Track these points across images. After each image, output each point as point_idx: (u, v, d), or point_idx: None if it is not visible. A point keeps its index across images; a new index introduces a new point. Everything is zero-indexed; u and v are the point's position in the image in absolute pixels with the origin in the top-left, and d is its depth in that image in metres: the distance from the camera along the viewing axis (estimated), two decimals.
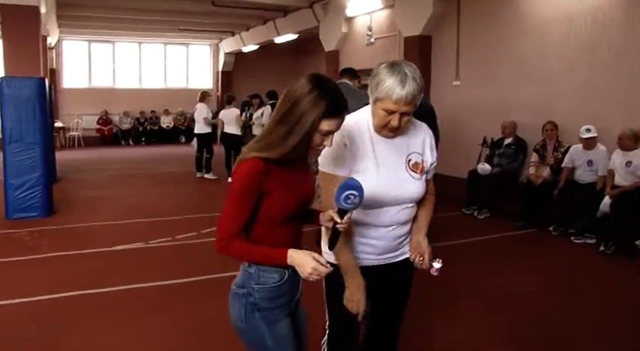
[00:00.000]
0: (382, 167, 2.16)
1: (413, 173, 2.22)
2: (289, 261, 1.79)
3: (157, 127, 19.39)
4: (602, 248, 5.81)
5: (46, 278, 4.88)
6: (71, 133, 18.27)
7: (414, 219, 2.33)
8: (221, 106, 13.64)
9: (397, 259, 2.33)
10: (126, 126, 19.10)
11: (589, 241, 6.13)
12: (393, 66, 2.02)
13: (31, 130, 7.14)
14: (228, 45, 19.56)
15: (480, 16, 8.65)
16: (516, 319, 4.06)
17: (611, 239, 5.82)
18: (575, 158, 6.58)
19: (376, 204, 2.16)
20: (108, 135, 18.79)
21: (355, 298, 2.16)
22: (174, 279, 4.88)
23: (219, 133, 11.40)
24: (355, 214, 2.04)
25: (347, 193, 1.81)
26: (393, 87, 1.98)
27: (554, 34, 7.37)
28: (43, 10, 9.10)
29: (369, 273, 2.24)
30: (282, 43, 16.29)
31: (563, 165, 6.74)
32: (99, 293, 4.55)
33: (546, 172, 6.93)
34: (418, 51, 9.60)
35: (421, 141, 2.28)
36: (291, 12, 14.08)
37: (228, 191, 1.82)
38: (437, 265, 2.20)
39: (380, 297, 2.34)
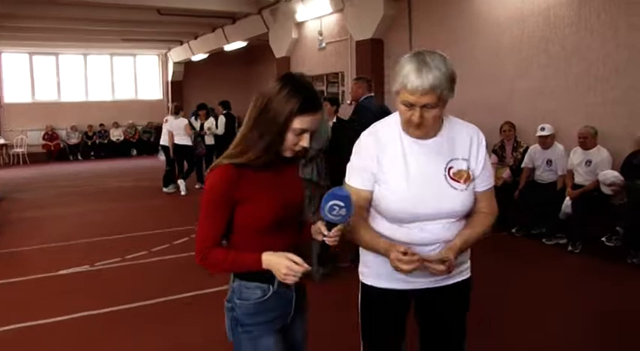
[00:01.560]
0: (414, 175, 1.88)
1: (454, 183, 1.89)
2: (264, 265, 1.72)
3: (106, 141, 18.71)
4: (569, 248, 5.71)
5: None
6: (15, 150, 17.41)
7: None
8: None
9: (447, 282, 2.00)
10: (73, 140, 18.34)
11: (560, 242, 5.99)
12: (414, 54, 1.81)
13: None
14: (177, 54, 19.14)
15: (431, 17, 8.53)
16: (486, 326, 3.83)
17: (577, 239, 5.72)
18: (535, 158, 6.48)
19: (411, 218, 1.89)
20: (55, 150, 18.00)
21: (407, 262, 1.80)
22: (124, 304, 4.48)
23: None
24: (390, 230, 1.92)
25: (331, 203, 1.67)
26: (407, 75, 1.76)
27: (508, 33, 7.29)
28: None
29: (405, 297, 1.99)
30: (232, 50, 15.99)
31: (522, 165, 6.63)
32: (44, 324, 4.11)
33: (506, 173, 6.79)
34: (370, 55, 9.46)
35: (467, 143, 1.94)
36: (240, 19, 13.83)
37: (201, 201, 1.76)
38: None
39: (431, 324, 2.07)
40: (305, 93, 1.70)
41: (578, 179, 6.00)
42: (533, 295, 4.58)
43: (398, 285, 1.99)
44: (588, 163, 5.87)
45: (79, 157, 18.24)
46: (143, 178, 12.85)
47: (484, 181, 1.98)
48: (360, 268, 2.09)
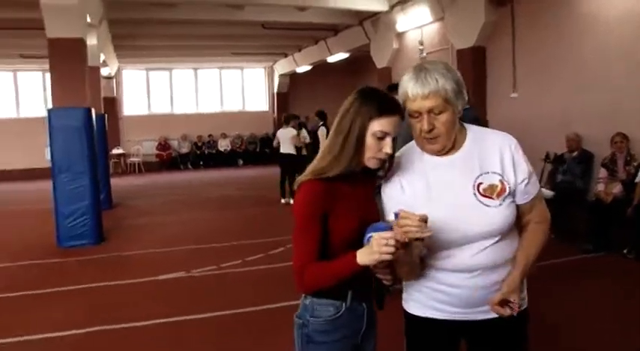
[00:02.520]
0: (437, 196, 1.74)
1: (486, 200, 1.73)
2: (358, 260, 1.61)
3: (214, 151, 19.49)
4: None
5: (84, 310, 4.70)
6: (132, 159, 18.62)
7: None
8: (278, 127, 13.48)
9: (493, 316, 1.80)
10: (184, 150, 19.28)
11: None
12: (414, 66, 1.76)
13: (79, 159, 7.13)
14: (282, 66, 19.60)
15: (536, 22, 8.11)
16: None
17: None
18: None
19: (439, 243, 1.73)
20: (167, 160, 19.01)
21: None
22: (215, 311, 4.59)
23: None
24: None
25: (368, 236, 1.60)
26: (407, 84, 1.72)
27: (618, 34, 6.74)
28: (93, 41, 9.20)
29: (451, 329, 1.84)
30: (335, 62, 16.16)
31: (637, 180, 6.08)
32: (138, 327, 4.31)
33: (617, 188, 6.28)
34: (472, 63, 9.17)
35: (498, 155, 1.77)
36: (342, 30, 14.00)
37: (294, 223, 1.75)
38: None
39: None
40: (379, 97, 1.73)
41: None
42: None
43: (440, 314, 1.84)
44: None
45: (189, 166, 19.11)
46: (247, 188, 13.25)
47: (528, 192, 1.80)
48: (403, 293, 1.96)
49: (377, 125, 1.69)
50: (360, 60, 15.66)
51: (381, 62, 12.75)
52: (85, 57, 7.53)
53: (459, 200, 1.73)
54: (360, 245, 1.64)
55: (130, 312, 4.65)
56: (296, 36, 14.93)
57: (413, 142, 1.85)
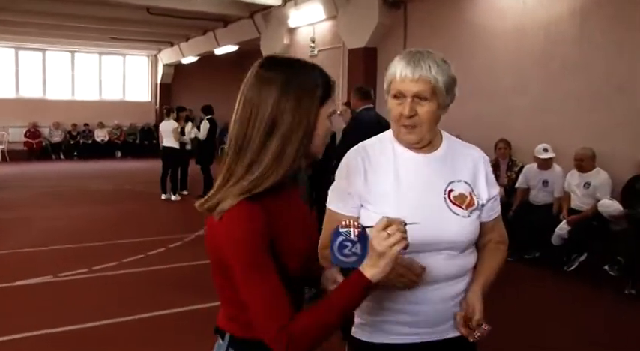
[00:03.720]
0: (405, 193, 1.59)
1: (455, 207, 1.61)
2: (371, 276, 1.24)
3: (90, 141, 18.26)
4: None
5: None
6: None
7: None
8: (160, 118, 12.80)
9: (450, 335, 1.65)
10: (56, 139, 17.88)
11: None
12: (409, 50, 1.62)
13: None
14: (167, 56, 18.91)
15: (427, 28, 8.25)
16: None
17: (572, 265, 5.45)
18: (530, 178, 6.17)
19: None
20: (37, 149, 17.51)
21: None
22: (84, 322, 4.05)
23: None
24: None
25: (341, 239, 1.29)
26: (398, 65, 1.57)
27: (506, 47, 7.02)
28: None
29: None
30: (223, 54, 15.73)
31: (517, 186, 6.33)
32: None
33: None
34: (363, 64, 9.18)
35: (471, 167, 1.68)
36: (232, 22, 13.65)
37: (237, 266, 1.24)
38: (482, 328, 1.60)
39: None
40: (315, 69, 1.37)
41: (576, 202, 5.69)
42: (524, 323, 4.21)
43: (400, 339, 1.63)
44: (587, 185, 5.55)
45: (62, 157, 17.79)
46: (125, 182, 12.45)
47: (493, 209, 1.73)
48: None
49: (329, 107, 1.36)
50: (249, 54, 15.19)
51: None
52: None
53: (429, 202, 1.59)
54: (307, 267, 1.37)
55: None
56: (183, 24, 14.34)
57: (385, 136, 1.71)
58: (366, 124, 4.94)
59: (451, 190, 1.62)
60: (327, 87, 1.36)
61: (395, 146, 1.66)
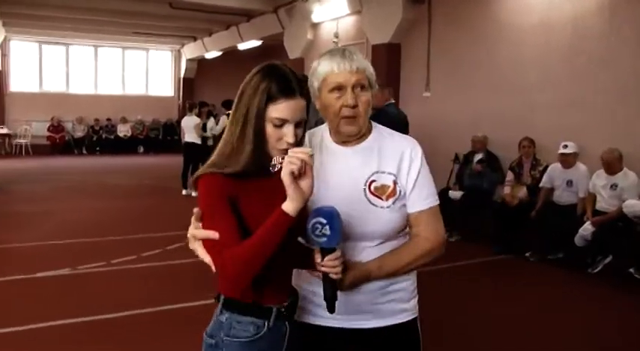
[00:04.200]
0: (325, 185, 1.65)
1: (374, 199, 1.67)
2: (288, 207, 1.40)
3: (113, 136, 18.56)
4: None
5: None
6: (18, 141, 17.32)
7: None
8: (183, 113, 13.00)
9: (379, 325, 1.72)
10: (79, 134, 18.22)
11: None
12: (331, 49, 1.75)
13: None
14: (190, 51, 19.06)
15: (452, 23, 8.23)
16: None
17: (596, 267, 5.43)
18: (554, 178, 6.15)
19: None
20: (59, 143, 17.87)
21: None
22: (101, 313, 4.20)
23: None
24: None
25: (313, 221, 1.46)
26: (331, 60, 1.66)
27: (532, 42, 6.97)
28: None
29: (336, 338, 1.72)
30: (246, 49, 15.80)
31: (540, 185, 6.30)
32: (8, 334, 3.84)
33: (522, 192, 6.46)
34: (386, 59, 9.16)
35: (397, 157, 1.72)
36: (255, 17, 13.70)
37: (203, 215, 1.50)
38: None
39: None
40: (278, 75, 1.48)
41: (602, 204, 5.65)
42: (545, 325, 4.24)
43: (320, 321, 1.73)
44: (614, 187, 5.52)
45: (84, 152, 18.11)
46: (146, 177, 12.68)
47: (421, 200, 1.72)
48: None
49: (274, 111, 1.46)
50: (273, 49, 15.39)
51: (293, 53, 12.53)
52: None
53: (348, 194, 1.67)
54: (288, 253, 1.48)
55: (5, 315, 4.16)
56: (206, 19, 14.47)
57: (318, 127, 1.82)
58: (392, 118, 5.02)
59: (373, 181, 1.70)
60: (275, 90, 1.46)
61: (325, 141, 1.76)
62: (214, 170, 1.48)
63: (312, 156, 1.40)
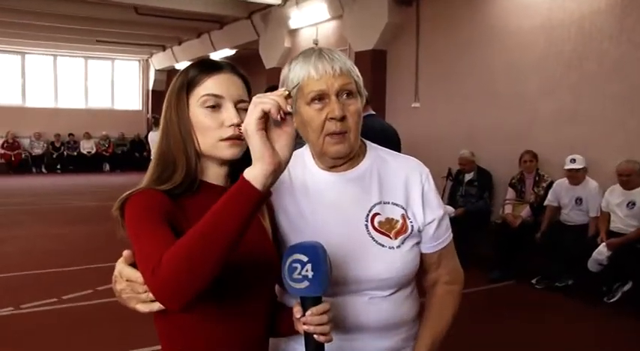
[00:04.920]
0: (323, 222, 1.41)
1: (380, 236, 1.41)
2: (252, 173, 1.03)
3: (75, 153, 18.14)
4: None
5: None
6: None
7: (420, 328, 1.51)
8: (149, 129, 12.70)
9: None
10: (38, 151, 17.78)
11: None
12: (306, 50, 1.46)
13: None
14: (159, 61, 18.94)
15: (443, 27, 8.04)
16: None
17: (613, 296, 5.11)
18: (561, 195, 5.88)
19: None
20: (15, 161, 17.38)
21: None
22: None
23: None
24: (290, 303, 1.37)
25: (290, 260, 1.16)
26: (306, 62, 1.38)
27: (532, 46, 6.76)
28: None
29: None
30: (220, 59, 15.48)
31: (546, 203, 6.03)
32: None
33: (525, 211, 6.17)
34: (371, 67, 8.92)
35: (403, 184, 1.47)
36: (228, 24, 13.54)
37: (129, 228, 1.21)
38: None
39: None
40: (194, 64, 1.31)
41: (617, 224, 5.36)
42: None
43: None
44: (631, 205, 5.23)
45: (44, 170, 17.72)
46: (112, 197, 11.78)
47: (441, 237, 1.51)
48: None
49: (201, 90, 1.25)
50: (248, 59, 15.23)
51: (270, 62, 12.35)
52: None
53: (345, 232, 1.41)
54: (240, 292, 1.23)
55: None
56: (176, 26, 14.27)
57: (297, 151, 1.48)
58: (376, 134, 4.62)
59: (376, 214, 1.43)
60: (193, 72, 1.27)
61: (307, 163, 1.48)
62: (150, 187, 1.25)
63: (289, 98, 1.07)
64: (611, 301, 5.10)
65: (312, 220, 1.42)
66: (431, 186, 1.51)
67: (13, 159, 17.34)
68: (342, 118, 1.36)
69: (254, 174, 1.02)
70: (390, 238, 1.42)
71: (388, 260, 1.41)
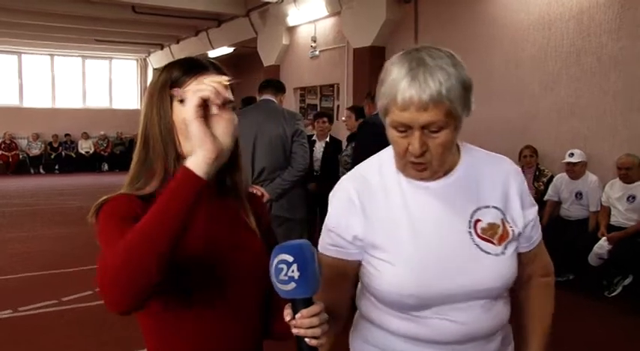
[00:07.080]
0: (420, 233, 1.34)
1: (485, 244, 1.35)
2: (193, 162, 1.05)
3: (73, 154, 18.15)
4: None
5: None
6: None
7: (521, 325, 1.53)
8: None
9: None
10: (35, 151, 17.76)
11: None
12: (407, 52, 1.31)
13: None
14: (157, 60, 18.88)
15: (441, 23, 8.05)
16: None
17: (614, 291, 5.14)
18: (561, 189, 5.93)
19: (423, 302, 1.32)
20: (13, 162, 17.39)
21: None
22: None
23: None
24: (390, 321, 1.37)
25: (276, 261, 1.10)
26: (396, 82, 1.24)
27: (531, 41, 6.77)
28: None
29: None
30: (218, 57, 15.49)
31: (546, 198, 6.07)
32: None
33: None
34: (369, 64, 8.97)
35: (500, 186, 1.40)
36: (226, 21, 13.52)
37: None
38: None
39: None
40: (175, 62, 1.29)
41: (617, 218, 5.39)
42: None
43: None
44: (631, 198, 5.26)
45: (41, 171, 17.71)
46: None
47: (535, 235, 1.46)
48: None
49: (190, 87, 1.22)
50: (246, 57, 15.31)
51: (268, 59, 12.39)
52: None
53: (448, 241, 1.34)
54: (223, 291, 1.24)
55: None
56: (173, 24, 14.28)
57: (386, 156, 1.44)
58: (378, 128, 4.65)
59: (478, 221, 1.35)
60: (177, 73, 1.25)
61: (400, 178, 1.39)
62: (127, 191, 1.26)
63: (228, 86, 1.13)
64: (612, 295, 5.14)
65: (412, 231, 1.35)
66: (525, 185, 1.46)
67: (10, 160, 17.37)
68: (423, 153, 1.28)
69: (196, 162, 1.04)
70: (494, 244, 1.36)
71: (495, 268, 1.35)
